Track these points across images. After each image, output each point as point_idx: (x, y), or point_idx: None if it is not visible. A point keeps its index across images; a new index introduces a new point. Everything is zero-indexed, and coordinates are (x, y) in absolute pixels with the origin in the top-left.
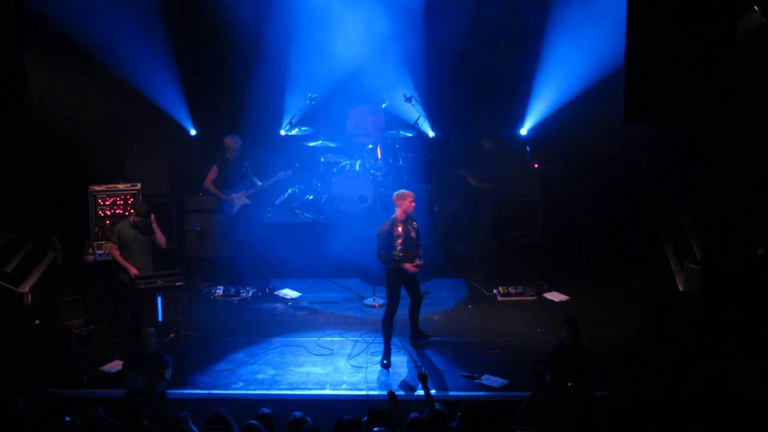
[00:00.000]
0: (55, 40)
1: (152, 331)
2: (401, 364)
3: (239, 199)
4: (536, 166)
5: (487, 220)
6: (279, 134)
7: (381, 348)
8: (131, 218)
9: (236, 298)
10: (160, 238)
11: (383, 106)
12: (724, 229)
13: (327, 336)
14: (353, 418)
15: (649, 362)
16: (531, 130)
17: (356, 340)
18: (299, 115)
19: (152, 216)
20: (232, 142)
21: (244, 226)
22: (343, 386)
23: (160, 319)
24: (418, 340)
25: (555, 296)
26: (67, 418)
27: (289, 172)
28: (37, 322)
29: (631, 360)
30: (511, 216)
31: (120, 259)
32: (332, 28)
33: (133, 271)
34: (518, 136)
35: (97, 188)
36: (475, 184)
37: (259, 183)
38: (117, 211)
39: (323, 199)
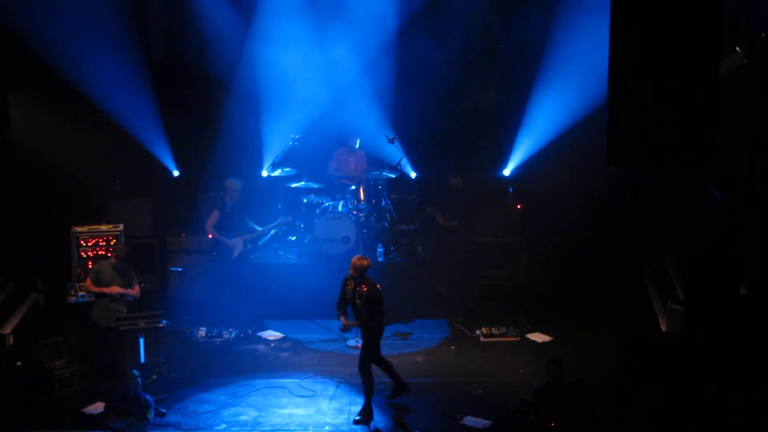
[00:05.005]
0: (39, 82)
1: (134, 372)
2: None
3: (239, 245)
4: (519, 207)
5: (456, 261)
6: (261, 175)
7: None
8: (112, 259)
9: (219, 339)
10: (134, 290)
11: (356, 144)
12: (707, 269)
13: (310, 377)
14: None
15: (632, 402)
16: (514, 171)
17: (339, 381)
18: (281, 156)
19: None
20: (233, 184)
21: (240, 272)
22: (326, 428)
23: (142, 360)
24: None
25: (538, 337)
26: None
27: (290, 218)
28: (19, 363)
29: (614, 400)
30: (491, 256)
31: (96, 289)
32: (315, 70)
33: (115, 289)
34: (501, 177)
35: (79, 229)
36: (443, 224)
37: (259, 228)
38: (99, 252)
39: (306, 240)
